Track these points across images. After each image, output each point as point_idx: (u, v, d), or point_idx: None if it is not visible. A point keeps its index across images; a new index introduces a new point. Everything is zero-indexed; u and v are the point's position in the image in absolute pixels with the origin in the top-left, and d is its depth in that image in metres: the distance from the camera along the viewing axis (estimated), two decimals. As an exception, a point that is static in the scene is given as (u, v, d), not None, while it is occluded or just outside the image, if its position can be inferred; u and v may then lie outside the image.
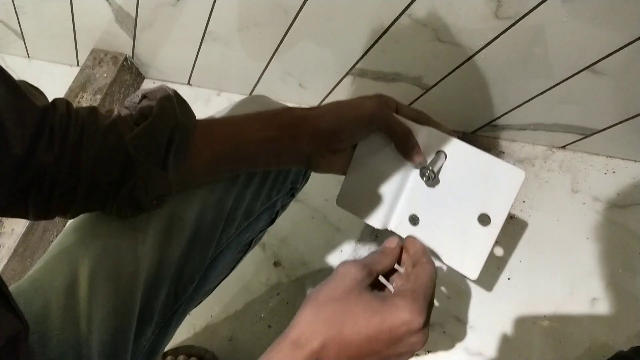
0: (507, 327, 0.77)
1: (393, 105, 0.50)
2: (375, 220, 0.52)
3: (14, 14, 1.11)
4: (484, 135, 0.94)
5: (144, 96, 0.45)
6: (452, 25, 0.74)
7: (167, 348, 0.68)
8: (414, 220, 0.51)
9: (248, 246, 0.62)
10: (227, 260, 0.57)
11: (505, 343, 0.76)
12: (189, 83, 1.14)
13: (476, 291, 0.81)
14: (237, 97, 0.72)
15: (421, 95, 0.89)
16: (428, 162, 0.48)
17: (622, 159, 0.88)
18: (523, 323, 0.77)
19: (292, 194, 0.61)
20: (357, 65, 0.89)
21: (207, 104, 1.11)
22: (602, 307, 0.76)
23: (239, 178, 0.53)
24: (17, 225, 0.91)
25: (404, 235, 0.51)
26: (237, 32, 0.92)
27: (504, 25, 0.70)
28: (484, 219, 0.46)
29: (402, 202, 0.51)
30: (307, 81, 0.99)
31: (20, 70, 1.25)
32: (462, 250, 0.48)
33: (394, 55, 0.83)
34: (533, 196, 0.87)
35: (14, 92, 0.37)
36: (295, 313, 0.40)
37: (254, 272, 0.89)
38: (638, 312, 0.75)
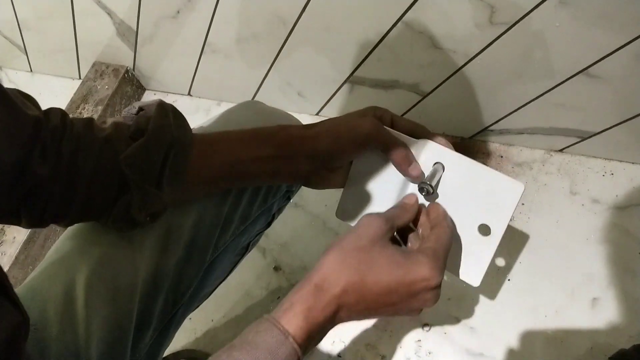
0: (509, 328, 0.77)
1: (388, 118, 0.50)
2: None
3: (18, 29, 1.13)
4: (481, 140, 0.95)
5: (141, 109, 0.44)
6: (448, 32, 0.75)
7: (167, 353, 0.69)
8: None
9: (245, 249, 0.62)
10: (224, 264, 0.57)
11: (507, 344, 0.76)
12: (189, 94, 1.15)
13: (477, 293, 0.81)
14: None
15: (419, 102, 0.90)
16: (426, 175, 0.48)
17: (620, 161, 0.88)
18: (524, 324, 0.77)
19: (288, 197, 0.62)
20: (355, 74, 0.90)
21: (207, 114, 1.12)
22: (603, 307, 0.76)
23: None
24: (19, 234, 0.92)
25: None
26: (236, 44, 0.93)
27: (498, 31, 0.72)
28: (484, 229, 0.46)
29: None
30: (305, 90, 1.00)
31: (23, 84, 1.27)
32: (463, 259, 0.48)
33: (391, 63, 0.84)
34: (532, 199, 0.88)
35: (2, 101, 0.36)
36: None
37: (254, 277, 0.89)
38: (639, 313, 0.75)
